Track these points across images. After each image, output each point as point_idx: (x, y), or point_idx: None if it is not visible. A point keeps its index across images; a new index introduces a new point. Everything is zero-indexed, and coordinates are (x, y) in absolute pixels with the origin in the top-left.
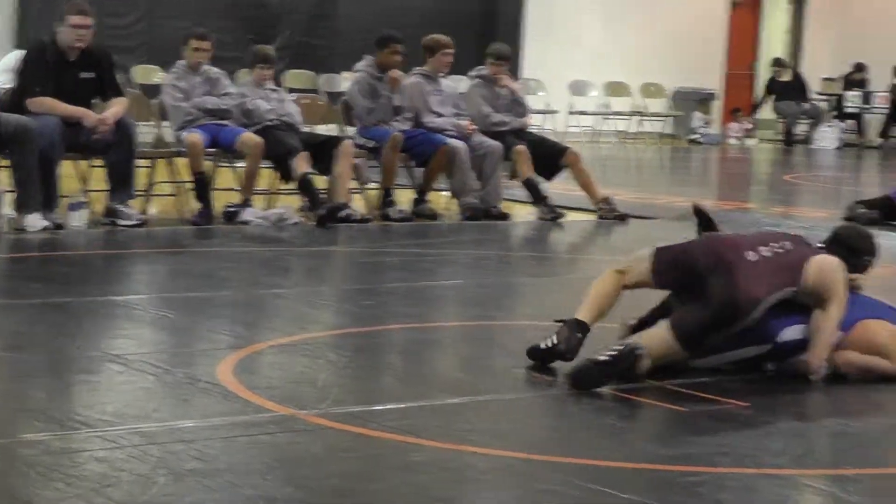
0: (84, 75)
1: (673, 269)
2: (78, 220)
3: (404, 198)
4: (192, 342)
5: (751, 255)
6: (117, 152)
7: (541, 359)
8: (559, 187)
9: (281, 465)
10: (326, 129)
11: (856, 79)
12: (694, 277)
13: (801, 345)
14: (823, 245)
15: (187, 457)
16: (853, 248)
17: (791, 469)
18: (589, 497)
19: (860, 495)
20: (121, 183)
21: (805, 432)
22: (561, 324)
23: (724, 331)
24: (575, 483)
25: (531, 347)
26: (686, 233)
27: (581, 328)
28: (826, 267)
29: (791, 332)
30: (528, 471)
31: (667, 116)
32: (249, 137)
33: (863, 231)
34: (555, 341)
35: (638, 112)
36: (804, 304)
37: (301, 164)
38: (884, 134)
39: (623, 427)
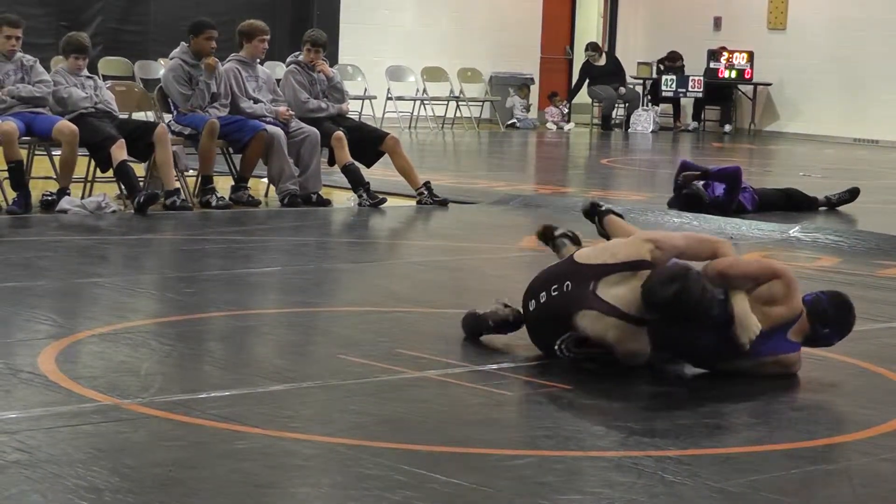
0: None
1: None
2: None
3: (223, 185)
4: (12, 332)
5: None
6: None
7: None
8: (379, 173)
9: (105, 455)
10: (143, 117)
11: (670, 65)
12: None
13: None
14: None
15: (9, 448)
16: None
17: (614, 451)
18: (413, 481)
19: (683, 476)
20: None
21: (627, 414)
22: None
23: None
24: (399, 468)
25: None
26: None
27: None
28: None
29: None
30: (353, 456)
31: (484, 101)
32: (65, 125)
33: None
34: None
35: (455, 97)
36: None
37: (118, 151)
38: (698, 117)
39: (447, 411)
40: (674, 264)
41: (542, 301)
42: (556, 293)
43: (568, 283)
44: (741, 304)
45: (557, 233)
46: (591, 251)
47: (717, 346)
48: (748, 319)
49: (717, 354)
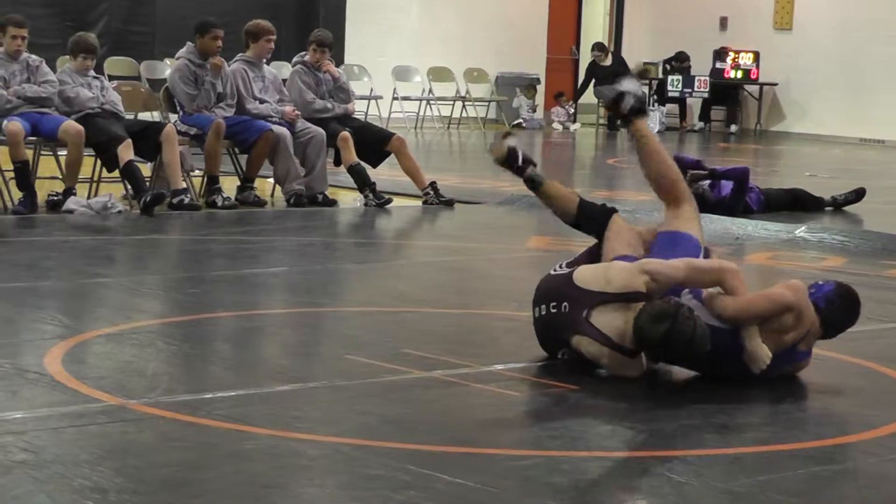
0: None
1: None
2: None
3: (229, 185)
4: (18, 332)
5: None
6: None
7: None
8: (385, 173)
9: (111, 456)
10: (148, 117)
11: (677, 65)
12: None
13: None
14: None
15: (15, 448)
16: None
17: (621, 451)
18: (418, 481)
19: (690, 476)
20: None
21: (633, 415)
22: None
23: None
24: (404, 468)
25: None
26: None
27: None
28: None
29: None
30: (359, 457)
31: (490, 101)
32: (71, 126)
33: None
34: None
35: (462, 97)
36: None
37: (125, 151)
38: (704, 118)
39: (454, 412)
40: (665, 299)
41: (542, 314)
42: (554, 310)
43: (565, 304)
44: (752, 338)
45: (520, 163)
46: (591, 273)
47: (723, 369)
48: (759, 352)
49: (724, 373)
